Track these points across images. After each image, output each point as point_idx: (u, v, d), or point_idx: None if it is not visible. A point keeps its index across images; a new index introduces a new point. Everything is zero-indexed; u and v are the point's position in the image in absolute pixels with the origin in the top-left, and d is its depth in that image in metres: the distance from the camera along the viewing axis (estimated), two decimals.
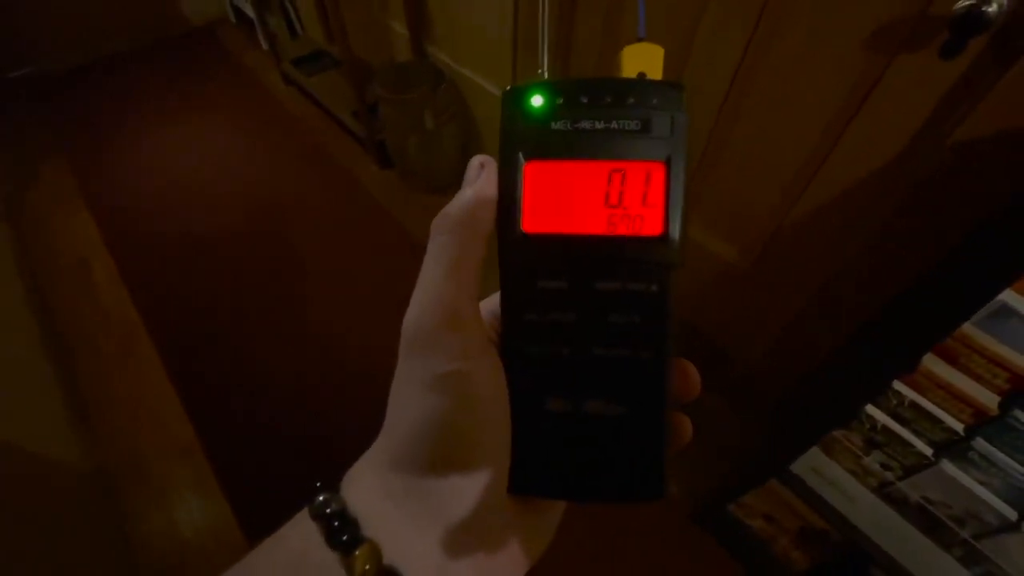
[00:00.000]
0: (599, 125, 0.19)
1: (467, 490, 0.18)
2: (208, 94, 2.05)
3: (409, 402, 0.19)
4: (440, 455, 0.18)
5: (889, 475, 0.61)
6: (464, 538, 0.18)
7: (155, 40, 2.29)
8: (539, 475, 0.20)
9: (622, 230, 0.19)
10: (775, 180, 0.86)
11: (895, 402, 0.58)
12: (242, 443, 1.15)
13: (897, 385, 0.57)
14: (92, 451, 1.14)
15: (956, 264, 0.51)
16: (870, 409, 0.59)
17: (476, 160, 0.20)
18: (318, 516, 0.19)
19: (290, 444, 1.14)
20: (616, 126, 0.19)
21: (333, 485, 0.20)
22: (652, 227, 0.19)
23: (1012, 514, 0.52)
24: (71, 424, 1.16)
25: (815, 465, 0.69)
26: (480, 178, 0.20)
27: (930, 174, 0.66)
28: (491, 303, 0.22)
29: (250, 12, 2.06)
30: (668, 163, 0.19)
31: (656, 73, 0.20)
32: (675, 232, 0.19)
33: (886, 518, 0.64)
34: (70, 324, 1.37)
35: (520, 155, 0.19)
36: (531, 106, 0.19)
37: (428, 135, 1.44)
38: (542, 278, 0.19)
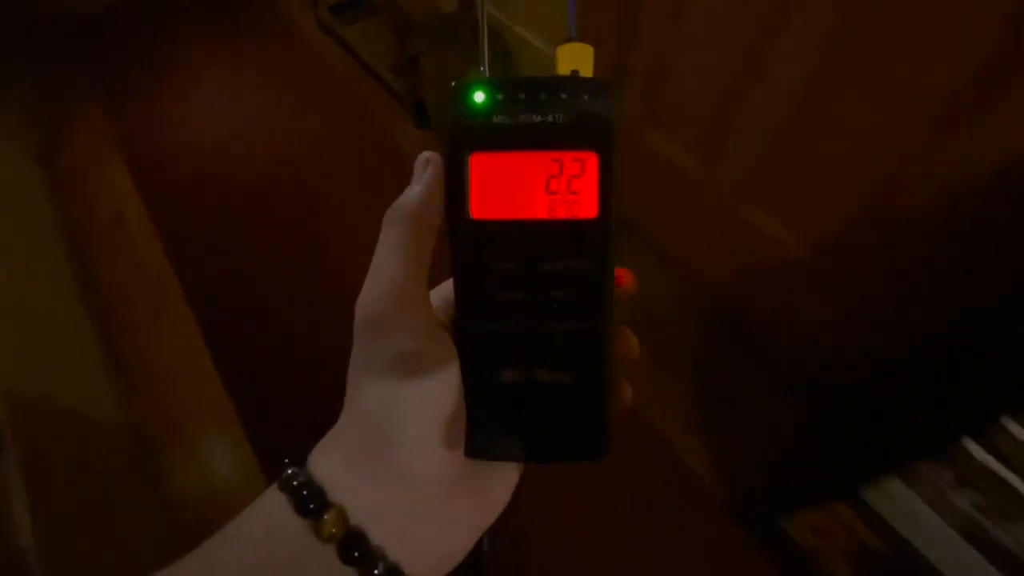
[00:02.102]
0: (536, 119, 0.20)
1: (425, 456, 0.20)
2: (240, 41, 1.97)
3: (366, 381, 0.20)
4: (398, 426, 0.20)
5: (979, 515, 0.56)
6: (424, 498, 0.20)
7: None
8: (493, 440, 0.21)
9: (562, 214, 0.20)
10: (873, 174, 0.77)
11: (1001, 440, 0.51)
12: (274, 402, 1.16)
13: (1006, 421, 0.50)
14: (128, 406, 1.16)
15: None
16: (969, 444, 0.54)
17: (423, 156, 0.22)
18: (286, 488, 0.20)
19: (322, 401, 1.13)
20: (552, 119, 0.20)
21: (300, 461, 0.21)
22: (588, 210, 0.20)
23: None
24: (109, 379, 1.18)
25: (889, 490, 0.64)
26: (427, 173, 0.22)
27: None
28: (441, 290, 0.23)
29: None
30: (600, 152, 0.20)
31: (588, 70, 0.22)
32: (609, 214, 0.20)
33: (966, 557, 0.59)
34: (106, 278, 1.37)
35: (466, 147, 0.20)
36: (474, 102, 0.20)
37: None
38: (491, 260, 0.21)
